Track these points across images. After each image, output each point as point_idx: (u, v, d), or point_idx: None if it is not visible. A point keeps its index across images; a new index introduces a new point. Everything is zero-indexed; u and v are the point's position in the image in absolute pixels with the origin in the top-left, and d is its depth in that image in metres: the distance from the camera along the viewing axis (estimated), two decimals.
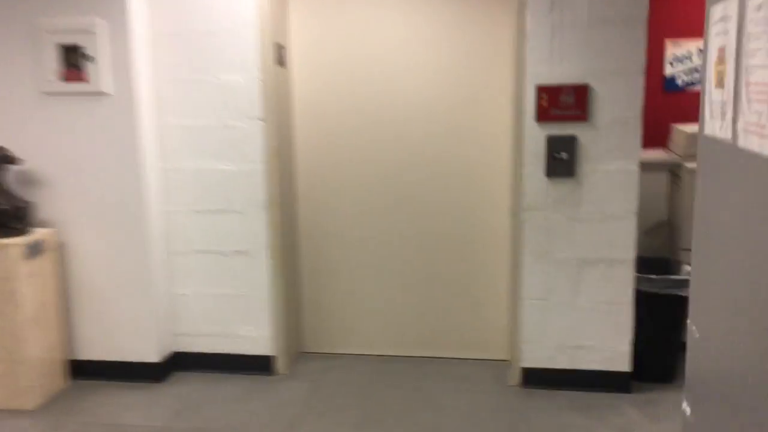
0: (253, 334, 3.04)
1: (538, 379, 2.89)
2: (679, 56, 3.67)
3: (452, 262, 3.15)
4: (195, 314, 3.07)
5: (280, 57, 2.98)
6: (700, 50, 3.68)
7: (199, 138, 2.93)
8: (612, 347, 2.82)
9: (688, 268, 2.98)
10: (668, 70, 3.69)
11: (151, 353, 3.00)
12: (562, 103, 2.67)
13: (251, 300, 3.02)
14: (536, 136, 2.72)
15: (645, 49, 2.63)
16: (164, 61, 2.90)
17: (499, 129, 3.01)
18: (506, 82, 2.99)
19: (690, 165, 3.12)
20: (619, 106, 2.66)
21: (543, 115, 2.68)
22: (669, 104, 3.72)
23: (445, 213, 3.12)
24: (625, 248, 2.76)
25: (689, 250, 3.45)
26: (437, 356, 3.27)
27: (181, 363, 3.11)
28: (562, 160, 2.71)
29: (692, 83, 3.69)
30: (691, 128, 3.27)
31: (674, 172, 3.30)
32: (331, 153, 3.16)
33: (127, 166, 2.85)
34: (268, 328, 3.03)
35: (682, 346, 3.08)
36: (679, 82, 3.69)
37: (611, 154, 2.69)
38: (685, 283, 2.87)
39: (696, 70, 3.68)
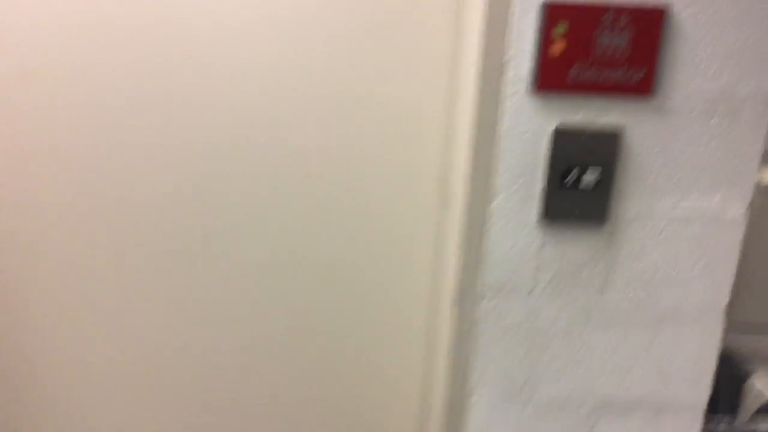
0: None
1: None
2: None
3: (318, 396, 1.53)
4: None
5: None
6: None
7: None
8: None
9: (762, 384, 1.55)
10: None
11: None
12: (601, 50, 1.07)
13: None
14: (529, 128, 1.11)
15: None
16: None
17: (433, 118, 1.38)
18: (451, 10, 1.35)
19: None
20: (728, 65, 1.10)
21: (551, 77, 1.07)
22: None
23: (307, 295, 1.47)
24: (693, 382, 1.26)
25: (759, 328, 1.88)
26: None
27: None
28: (581, 187, 1.13)
29: None
30: None
31: None
32: (40, 159, 1.41)
33: None
34: None
35: None
36: None
37: (695, 177, 1.15)
38: None
39: None
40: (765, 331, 1.74)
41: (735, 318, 1.73)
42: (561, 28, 1.05)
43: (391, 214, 1.40)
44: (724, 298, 1.22)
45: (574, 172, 1.12)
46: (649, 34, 1.06)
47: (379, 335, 1.47)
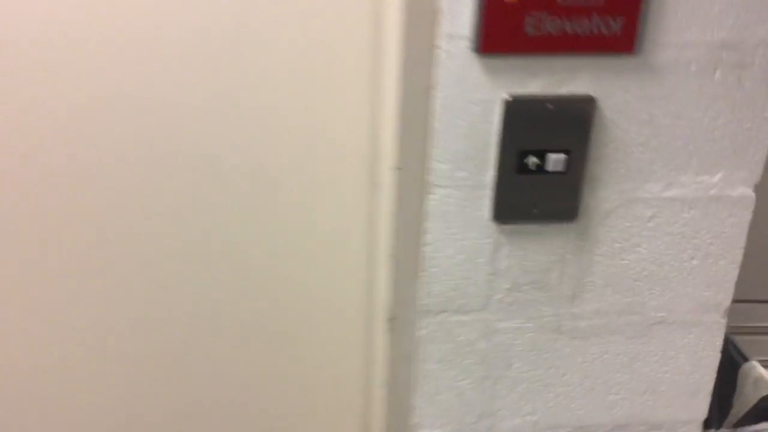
0: None
1: None
2: None
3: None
4: None
5: None
6: None
7: None
8: None
9: (761, 370, 1.35)
10: None
11: None
12: None
13: None
14: (474, 99, 0.83)
15: None
16: None
17: (354, 89, 1.08)
18: None
19: None
20: (734, 6, 0.82)
21: (501, 31, 0.79)
22: None
23: (217, 314, 1.19)
24: (690, 396, 1.04)
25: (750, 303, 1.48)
26: None
27: None
28: (546, 175, 0.87)
29: None
30: None
31: None
32: None
33: None
34: None
35: None
36: None
37: (691, 151, 0.89)
38: None
39: None
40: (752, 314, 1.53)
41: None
42: None
43: (315, 207, 1.12)
44: (726, 297, 0.98)
45: (535, 155, 0.86)
46: None
47: (304, 361, 1.20)
